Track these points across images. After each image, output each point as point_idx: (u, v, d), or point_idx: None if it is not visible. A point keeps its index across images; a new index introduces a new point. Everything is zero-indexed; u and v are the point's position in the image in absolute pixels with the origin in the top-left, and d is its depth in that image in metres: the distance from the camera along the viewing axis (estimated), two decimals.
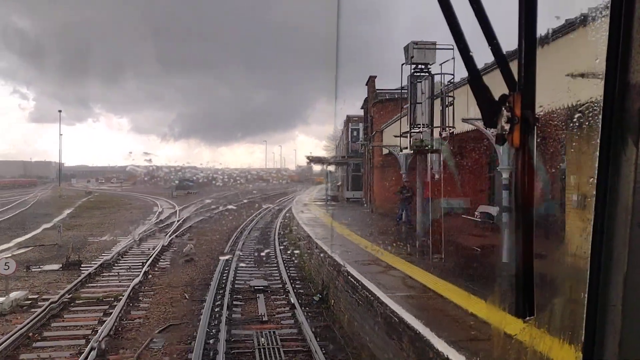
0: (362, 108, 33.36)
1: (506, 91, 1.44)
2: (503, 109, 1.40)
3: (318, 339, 10.35)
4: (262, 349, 9.85)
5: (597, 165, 1.48)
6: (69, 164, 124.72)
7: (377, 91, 29.38)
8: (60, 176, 73.61)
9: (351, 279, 11.19)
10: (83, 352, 9.48)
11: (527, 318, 1.45)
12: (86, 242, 23.86)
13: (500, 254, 12.37)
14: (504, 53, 1.44)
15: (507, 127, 1.39)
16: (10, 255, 20.20)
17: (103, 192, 73.72)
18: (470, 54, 1.47)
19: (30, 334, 10.76)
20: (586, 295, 1.50)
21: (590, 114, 1.58)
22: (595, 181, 1.49)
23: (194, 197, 56.00)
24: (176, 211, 38.91)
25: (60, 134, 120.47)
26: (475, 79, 1.46)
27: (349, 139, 39.33)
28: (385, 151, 25.56)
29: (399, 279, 10.53)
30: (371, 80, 29.48)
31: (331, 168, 48.25)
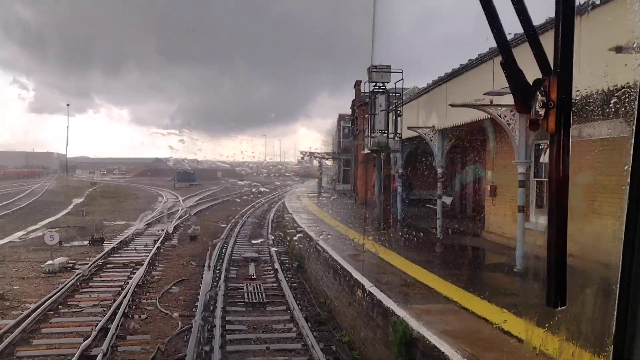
0: (350, 108, 37.44)
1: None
2: (538, 93, 1.38)
3: (291, 289, 14.47)
4: (249, 294, 13.98)
5: (631, 153, 1.45)
6: (70, 155, 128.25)
7: (363, 94, 33.36)
8: (67, 167, 77.63)
9: (319, 248, 15.30)
10: (121, 294, 13.60)
11: (559, 308, 1.43)
12: (103, 225, 27.98)
13: (436, 231, 16.55)
14: (539, 37, 1.42)
15: (541, 112, 1.37)
16: (41, 234, 24.52)
17: (107, 183, 77.73)
18: (506, 37, 1.45)
19: (78, 284, 14.92)
20: (618, 288, 1.50)
21: (627, 99, 1.58)
22: (630, 170, 1.46)
23: (195, 189, 60.32)
24: (180, 201, 43.11)
25: (67, 126, 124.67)
26: (508, 63, 1.44)
27: (341, 136, 43.34)
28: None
29: (351, 246, 14.67)
30: (357, 84, 33.49)
31: (328, 162, 52.48)
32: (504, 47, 1.44)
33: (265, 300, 13.36)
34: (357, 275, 10.64)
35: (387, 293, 9.11)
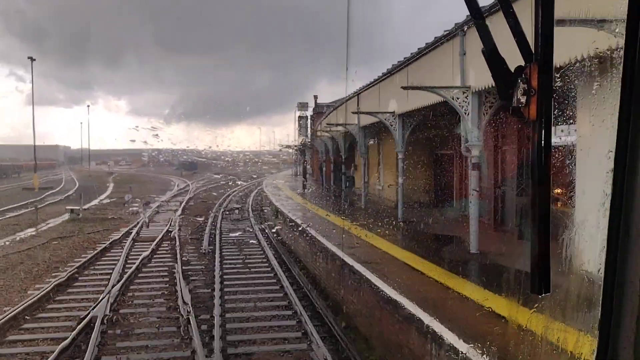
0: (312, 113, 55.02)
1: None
2: (519, 80, 1.47)
3: (256, 220, 32.09)
4: (236, 220, 31.68)
5: (615, 135, 1.51)
6: (74, 147, 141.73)
7: (318, 103, 50.87)
8: (89, 159, 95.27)
9: (273, 205, 32.88)
10: (173, 217, 31.18)
11: (543, 295, 1.52)
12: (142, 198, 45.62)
13: (341, 189, 34.29)
14: (521, 26, 1.50)
15: (523, 99, 1.46)
16: (109, 201, 42.46)
17: (120, 172, 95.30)
18: (487, 26, 1.53)
19: (155, 213, 32.67)
20: (603, 272, 1.59)
21: (608, 85, 1.64)
22: (614, 154, 1.52)
23: (199, 176, 78.07)
24: (189, 184, 60.87)
25: (81, 122, 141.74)
26: (490, 51, 1.51)
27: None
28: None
29: (291, 201, 32.33)
30: (314, 98, 51.10)
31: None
32: (485, 38, 1.52)
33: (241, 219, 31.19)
34: (277, 203, 28.32)
35: (279, 202, 26.73)
